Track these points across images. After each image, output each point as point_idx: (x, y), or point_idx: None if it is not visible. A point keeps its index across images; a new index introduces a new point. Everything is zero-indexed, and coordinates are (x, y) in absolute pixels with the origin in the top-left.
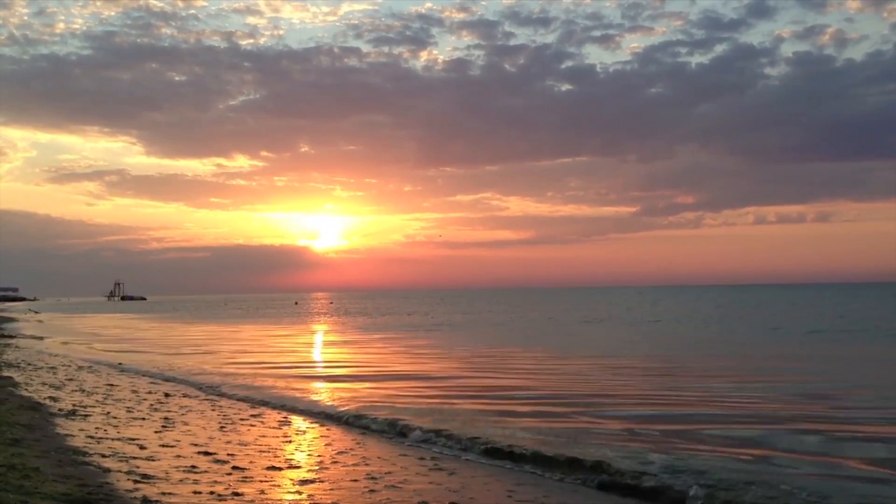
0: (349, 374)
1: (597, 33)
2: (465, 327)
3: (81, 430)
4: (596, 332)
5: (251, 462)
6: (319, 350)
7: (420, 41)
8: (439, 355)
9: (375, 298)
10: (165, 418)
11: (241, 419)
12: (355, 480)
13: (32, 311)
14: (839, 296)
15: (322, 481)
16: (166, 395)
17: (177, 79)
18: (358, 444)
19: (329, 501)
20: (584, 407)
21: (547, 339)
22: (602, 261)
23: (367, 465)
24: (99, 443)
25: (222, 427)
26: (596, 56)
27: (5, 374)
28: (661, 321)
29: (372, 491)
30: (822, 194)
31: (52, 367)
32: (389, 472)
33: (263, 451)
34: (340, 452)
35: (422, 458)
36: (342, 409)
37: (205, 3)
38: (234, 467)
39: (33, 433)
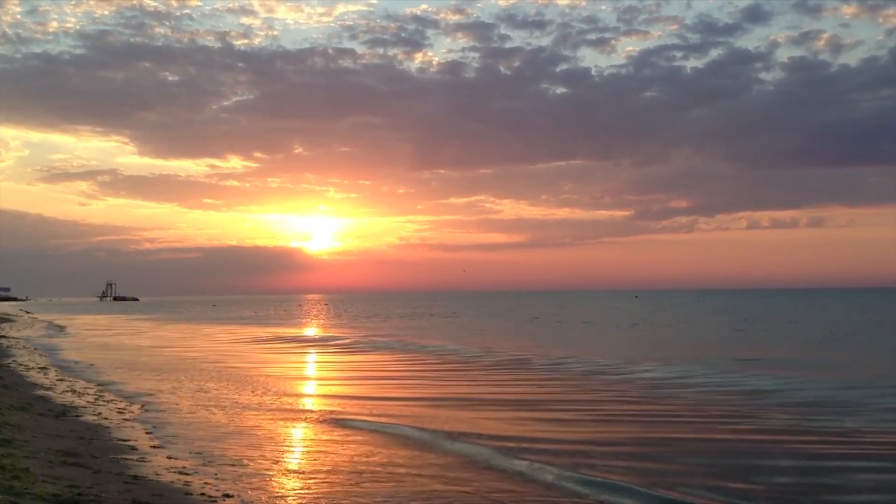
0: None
1: (592, 36)
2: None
3: (72, 431)
4: None
5: (243, 461)
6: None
7: (415, 43)
8: None
9: (374, 301)
10: (157, 419)
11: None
12: (343, 473)
13: (24, 310)
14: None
15: (312, 476)
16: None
17: (170, 79)
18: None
19: (321, 492)
20: None
21: None
22: (595, 264)
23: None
24: (90, 444)
25: (214, 427)
26: (591, 59)
27: None
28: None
29: (358, 483)
30: (816, 199)
31: (43, 368)
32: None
33: (255, 450)
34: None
35: None
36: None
37: (199, 3)
38: (226, 466)
39: (23, 434)
